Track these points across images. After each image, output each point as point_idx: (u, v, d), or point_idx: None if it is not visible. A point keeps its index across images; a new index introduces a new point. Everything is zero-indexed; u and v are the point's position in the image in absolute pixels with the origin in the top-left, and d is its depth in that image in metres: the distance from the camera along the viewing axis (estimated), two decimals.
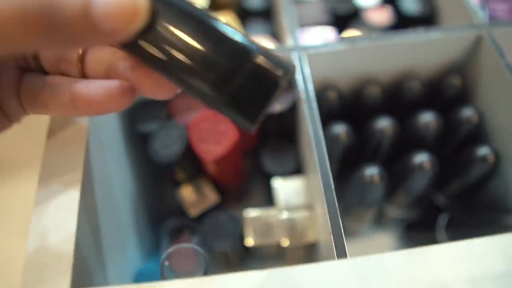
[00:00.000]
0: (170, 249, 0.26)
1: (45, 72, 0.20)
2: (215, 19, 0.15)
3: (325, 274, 0.19)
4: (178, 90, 0.17)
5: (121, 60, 0.18)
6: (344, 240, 0.22)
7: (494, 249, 0.19)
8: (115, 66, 0.18)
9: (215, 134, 0.28)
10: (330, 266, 0.19)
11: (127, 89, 0.17)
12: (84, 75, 0.19)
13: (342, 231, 0.23)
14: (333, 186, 0.24)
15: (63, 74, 0.20)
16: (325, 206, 0.23)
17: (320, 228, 0.28)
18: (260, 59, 0.15)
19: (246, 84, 0.15)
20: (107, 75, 0.18)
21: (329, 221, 0.23)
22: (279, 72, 0.15)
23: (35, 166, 0.25)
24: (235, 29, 0.15)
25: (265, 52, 0.15)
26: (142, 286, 0.19)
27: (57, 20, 0.12)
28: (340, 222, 0.23)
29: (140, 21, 0.13)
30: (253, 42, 0.15)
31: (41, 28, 0.12)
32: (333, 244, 0.22)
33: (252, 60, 0.14)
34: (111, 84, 0.17)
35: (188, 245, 0.26)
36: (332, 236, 0.22)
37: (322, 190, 0.24)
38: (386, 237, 0.40)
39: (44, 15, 0.12)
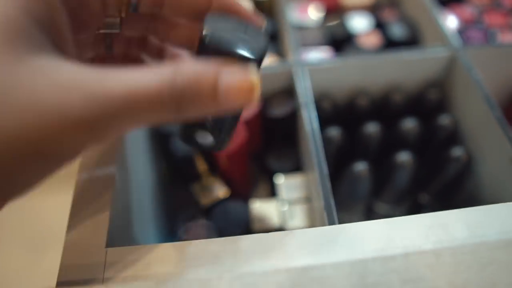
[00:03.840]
0: (186, 224, 0.31)
1: None
2: None
3: (318, 237, 0.23)
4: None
5: None
6: (336, 218, 0.27)
7: (457, 219, 0.24)
8: None
9: None
10: (320, 231, 0.23)
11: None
12: None
13: (336, 219, 0.27)
14: (328, 181, 0.28)
15: None
16: (322, 198, 0.28)
17: (317, 218, 0.32)
18: None
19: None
20: None
21: (324, 212, 0.27)
22: None
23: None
24: None
25: None
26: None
27: (188, 99, 0.14)
28: (335, 211, 0.27)
29: (257, 93, 0.15)
30: None
31: (173, 106, 0.14)
32: (327, 222, 0.27)
33: None
34: None
35: (202, 221, 0.31)
36: (327, 222, 0.27)
37: (319, 184, 0.28)
38: None
39: (178, 96, 0.14)
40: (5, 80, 0.13)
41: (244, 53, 0.16)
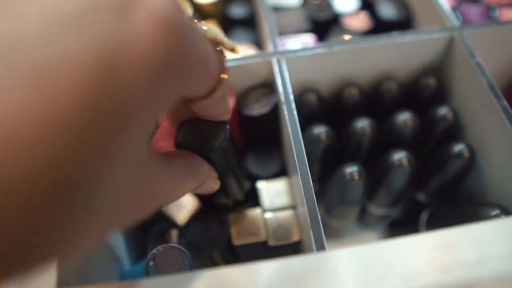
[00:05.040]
0: (155, 250, 0.27)
1: None
2: None
3: (304, 265, 0.19)
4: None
5: None
6: (323, 234, 0.23)
7: (466, 238, 0.20)
8: None
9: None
10: (308, 258, 0.20)
11: None
12: None
13: (321, 226, 0.23)
14: (312, 185, 0.25)
15: None
16: (305, 203, 0.24)
17: (302, 226, 0.28)
18: None
19: None
20: None
21: (308, 218, 0.24)
22: None
23: None
24: None
25: None
26: (124, 284, 0.19)
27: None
28: (319, 218, 0.24)
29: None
30: None
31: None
32: (312, 238, 0.23)
33: None
34: None
35: (173, 246, 0.27)
36: (311, 231, 0.23)
37: (302, 188, 0.25)
38: (370, 236, 0.40)
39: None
40: None
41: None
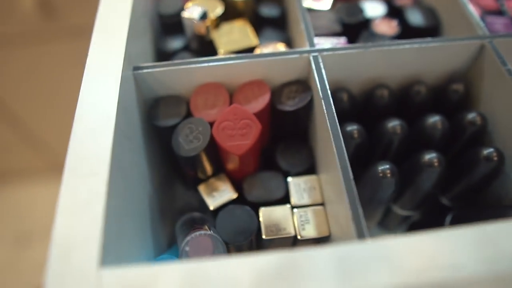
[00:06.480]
0: (190, 236, 0.27)
1: None
2: None
3: (343, 253, 0.19)
4: None
5: None
6: (364, 226, 0.23)
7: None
8: None
9: (238, 130, 0.29)
10: (349, 247, 0.20)
11: None
12: None
13: (362, 217, 0.24)
14: (352, 177, 0.25)
15: None
16: (346, 196, 0.24)
17: (335, 221, 0.29)
18: None
19: None
20: None
21: (350, 210, 0.24)
22: None
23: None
24: None
25: None
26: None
27: None
28: (361, 214, 0.24)
29: None
30: None
31: None
32: (354, 230, 0.23)
33: None
34: None
35: (207, 233, 0.27)
36: (353, 223, 0.23)
37: (342, 181, 0.25)
38: None
39: None
40: None
41: None
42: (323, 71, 0.30)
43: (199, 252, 0.25)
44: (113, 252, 0.22)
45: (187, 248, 0.25)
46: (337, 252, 0.19)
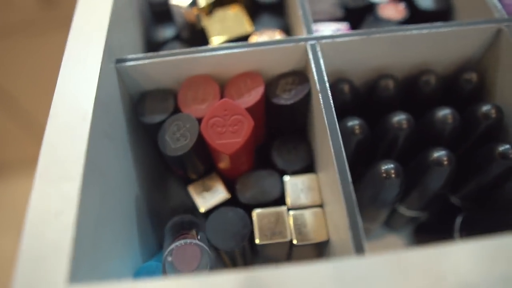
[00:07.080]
0: (174, 245, 0.25)
1: None
2: None
3: (342, 271, 0.17)
4: None
5: None
6: (363, 236, 0.21)
7: None
8: None
9: (228, 126, 0.27)
10: (347, 263, 0.18)
11: None
12: None
13: (361, 226, 0.21)
14: (350, 180, 0.23)
15: None
16: (343, 200, 0.22)
17: (334, 225, 0.26)
18: None
19: None
20: None
21: (347, 216, 0.22)
22: None
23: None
24: None
25: None
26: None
27: None
28: (358, 217, 0.22)
29: None
30: None
31: None
32: (351, 240, 0.21)
33: None
34: None
35: (193, 241, 0.25)
36: (350, 231, 0.21)
37: (339, 184, 0.23)
38: (395, 240, 0.38)
39: None
40: None
41: None
42: (321, 60, 0.28)
43: (182, 263, 0.23)
44: (86, 265, 0.20)
45: (169, 258, 0.23)
46: (328, 270, 0.17)
